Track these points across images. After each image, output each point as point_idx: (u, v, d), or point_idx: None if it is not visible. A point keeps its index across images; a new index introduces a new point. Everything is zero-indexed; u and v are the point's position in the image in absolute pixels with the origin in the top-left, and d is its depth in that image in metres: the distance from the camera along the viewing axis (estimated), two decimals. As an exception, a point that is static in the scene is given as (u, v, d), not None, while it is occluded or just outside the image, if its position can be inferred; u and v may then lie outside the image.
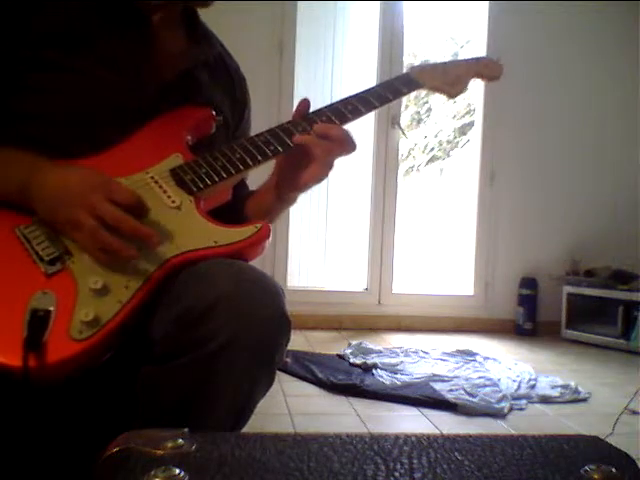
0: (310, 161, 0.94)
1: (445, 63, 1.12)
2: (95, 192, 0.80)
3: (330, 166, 0.95)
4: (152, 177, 0.89)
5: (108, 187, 0.81)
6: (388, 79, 1.08)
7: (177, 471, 0.43)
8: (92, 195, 0.79)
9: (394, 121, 3.62)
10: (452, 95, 1.12)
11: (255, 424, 0.82)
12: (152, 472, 0.43)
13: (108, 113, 0.91)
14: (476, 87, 3.85)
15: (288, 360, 2.58)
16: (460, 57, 1.20)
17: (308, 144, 0.93)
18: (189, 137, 0.97)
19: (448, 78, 1.10)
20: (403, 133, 3.71)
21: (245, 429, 0.82)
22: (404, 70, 1.12)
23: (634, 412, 2.10)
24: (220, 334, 0.74)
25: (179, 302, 0.77)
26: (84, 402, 0.85)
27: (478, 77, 1.15)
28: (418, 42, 6.13)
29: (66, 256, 0.80)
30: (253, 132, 1.07)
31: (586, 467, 0.48)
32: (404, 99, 4.63)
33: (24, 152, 0.85)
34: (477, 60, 1.16)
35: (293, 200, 1.05)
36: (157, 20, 0.99)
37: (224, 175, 0.90)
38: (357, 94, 1.03)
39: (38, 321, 0.72)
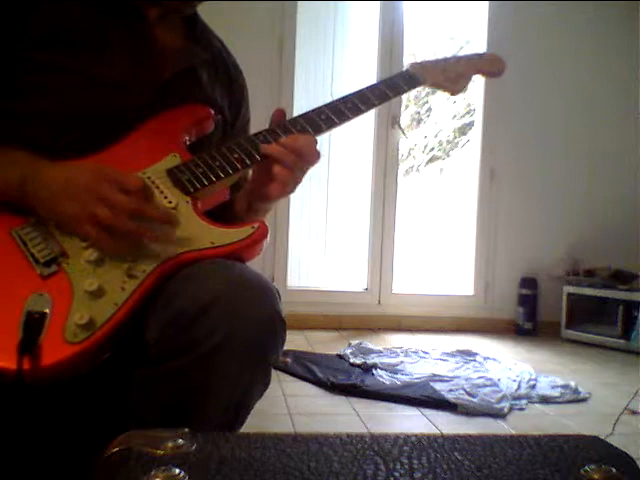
0: (277, 174, 0.91)
1: (446, 59, 1.11)
2: (104, 182, 0.79)
3: (296, 180, 0.93)
4: (149, 177, 0.88)
5: (115, 176, 0.81)
6: (388, 76, 1.07)
7: (177, 471, 0.43)
8: (102, 186, 0.79)
9: (394, 121, 3.61)
10: (454, 92, 1.10)
11: (255, 424, 0.82)
12: (152, 472, 0.43)
13: (105, 113, 0.91)
14: (476, 87, 3.84)
15: (288, 360, 2.58)
16: (460, 53, 1.18)
17: (275, 156, 0.91)
18: (187, 136, 0.97)
19: (449, 75, 1.09)
20: (403, 133, 3.71)
21: (245, 429, 0.81)
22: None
23: (634, 412, 2.10)
24: (214, 335, 0.73)
25: (173, 304, 0.76)
26: (81, 403, 0.85)
27: (480, 73, 1.13)
28: (418, 42, 6.13)
29: (62, 258, 0.79)
30: (253, 132, 1.07)
31: (586, 467, 0.48)
32: (404, 99, 4.63)
33: (21, 151, 0.85)
34: (479, 56, 1.14)
35: (265, 212, 1.02)
36: (154, 17, 0.99)
37: (221, 175, 0.89)
38: (357, 92, 1.02)
39: (33, 323, 0.72)
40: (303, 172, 0.93)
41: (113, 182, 0.79)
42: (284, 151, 0.91)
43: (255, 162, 0.92)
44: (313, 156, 0.92)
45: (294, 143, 0.91)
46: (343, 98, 1.00)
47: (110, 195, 0.78)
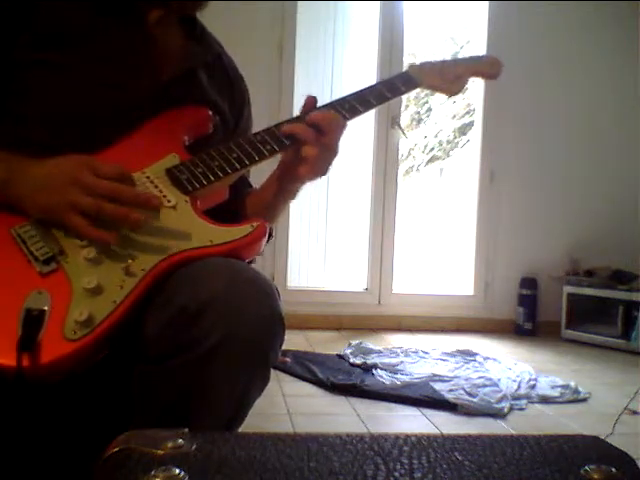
0: (304, 154, 0.93)
1: (444, 61, 1.12)
2: (81, 170, 0.80)
3: (325, 159, 0.95)
4: (148, 177, 0.88)
5: (91, 164, 0.81)
6: (387, 77, 1.08)
7: (177, 471, 0.43)
8: (79, 174, 0.80)
9: (394, 121, 3.61)
10: (451, 93, 1.12)
11: (255, 424, 0.82)
12: (152, 472, 0.43)
13: (105, 113, 0.91)
14: (476, 87, 3.85)
15: (288, 360, 2.58)
16: (460, 56, 1.20)
17: (298, 134, 0.93)
18: (186, 137, 0.97)
19: (447, 76, 1.10)
20: (403, 133, 3.71)
21: (245, 429, 0.81)
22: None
23: (634, 412, 2.10)
24: (213, 334, 0.73)
25: (172, 302, 0.76)
26: (81, 402, 0.85)
27: (477, 75, 1.14)
28: (418, 42, 6.14)
29: (60, 256, 0.79)
30: (253, 132, 1.07)
31: (586, 467, 0.48)
32: (404, 99, 4.63)
33: (4, 152, 0.84)
34: (477, 59, 1.16)
35: (295, 192, 1.04)
36: (154, 18, 0.99)
37: (220, 174, 0.89)
38: (355, 93, 1.02)
39: (32, 321, 0.72)
40: (330, 150, 0.94)
41: (90, 168, 0.80)
42: (303, 127, 0.92)
43: (253, 162, 0.93)
44: (333, 129, 0.93)
45: (311, 119, 0.93)
46: (341, 99, 1.01)
47: (87, 180, 0.79)
